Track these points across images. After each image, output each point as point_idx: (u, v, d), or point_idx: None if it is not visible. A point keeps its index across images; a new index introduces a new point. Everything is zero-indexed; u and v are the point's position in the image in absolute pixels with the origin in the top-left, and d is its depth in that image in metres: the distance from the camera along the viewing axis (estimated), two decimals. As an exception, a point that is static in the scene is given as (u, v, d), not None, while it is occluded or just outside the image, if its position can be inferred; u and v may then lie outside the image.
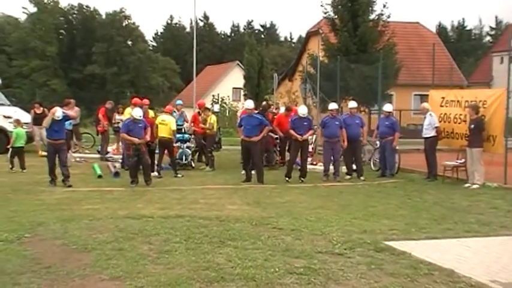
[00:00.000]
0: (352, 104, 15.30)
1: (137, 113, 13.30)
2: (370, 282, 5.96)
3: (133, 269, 6.27)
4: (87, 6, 70.17)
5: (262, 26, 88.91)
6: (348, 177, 14.49)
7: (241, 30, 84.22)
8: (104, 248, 7.12)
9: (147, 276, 6.00)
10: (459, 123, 14.13)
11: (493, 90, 14.69)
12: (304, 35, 45.40)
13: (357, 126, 14.66)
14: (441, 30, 73.61)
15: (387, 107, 15.32)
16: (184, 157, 15.96)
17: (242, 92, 35.05)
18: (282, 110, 17.56)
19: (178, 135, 15.70)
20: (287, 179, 13.81)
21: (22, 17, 67.47)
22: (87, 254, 6.92)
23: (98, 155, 18.39)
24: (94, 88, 62.38)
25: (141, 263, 6.49)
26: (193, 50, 29.75)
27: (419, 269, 6.39)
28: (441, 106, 14.84)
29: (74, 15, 70.77)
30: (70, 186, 12.46)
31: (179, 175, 14.54)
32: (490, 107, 13.24)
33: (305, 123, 14.06)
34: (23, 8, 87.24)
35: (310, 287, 5.78)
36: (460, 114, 14.11)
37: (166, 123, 14.75)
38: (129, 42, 68.45)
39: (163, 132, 14.72)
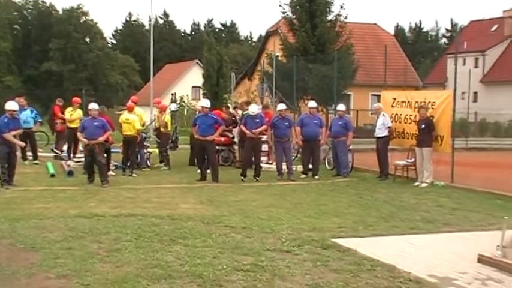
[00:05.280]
0: (312, 104, 15.51)
1: (91, 106, 13.24)
2: (314, 278, 6.11)
3: (81, 267, 6.29)
4: (43, 2, 68.88)
5: (222, 25, 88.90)
6: (303, 176, 14.69)
7: (202, 28, 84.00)
8: (52, 247, 7.10)
9: (94, 275, 6.03)
10: (409, 123, 14.47)
11: (441, 92, 15.14)
12: (264, 34, 45.58)
13: (316, 126, 14.83)
14: (399, 31, 74.98)
15: (340, 107, 15.59)
16: (139, 156, 15.90)
17: (201, 91, 34.96)
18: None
19: None
20: (242, 178, 13.94)
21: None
22: (35, 253, 6.89)
23: (51, 154, 18.15)
24: (51, 85, 61.27)
25: (90, 262, 6.51)
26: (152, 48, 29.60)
27: (363, 265, 6.60)
28: (392, 106, 15.16)
29: (29, 11, 69.35)
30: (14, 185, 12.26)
31: (134, 174, 14.53)
32: (438, 107, 13.63)
33: (257, 121, 14.25)
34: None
35: (256, 283, 5.89)
36: (411, 115, 14.45)
37: (130, 122, 14.86)
38: (87, 39, 67.48)
39: (127, 131, 14.80)
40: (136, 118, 15.08)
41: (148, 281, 5.86)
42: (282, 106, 15.02)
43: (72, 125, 16.96)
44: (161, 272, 6.13)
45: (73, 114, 17.25)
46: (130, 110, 15.39)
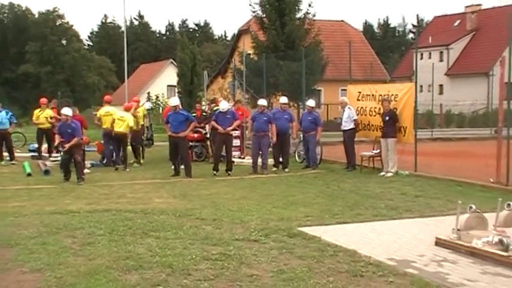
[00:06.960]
0: (283, 99, 15.90)
1: (64, 111, 13.48)
2: (279, 264, 6.39)
3: (54, 261, 6.50)
4: (18, 5, 68.83)
5: (196, 25, 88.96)
6: (274, 169, 15.04)
7: (176, 29, 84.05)
8: (27, 243, 7.29)
9: (67, 268, 6.24)
10: (374, 115, 14.87)
11: (403, 85, 15.58)
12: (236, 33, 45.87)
13: (286, 121, 15.18)
14: (368, 27, 75.92)
15: (310, 102, 15.95)
16: (114, 154, 16.12)
17: (176, 90, 35.16)
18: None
19: None
20: (214, 172, 14.22)
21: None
22: (10, 249, 7.07)
23: (28, 154, 18.26)
24: (28, 87, 61.12)
25: (63, 256, 6.73)
26: (128, 48, 29.76)
27: (326, 251, 6.90)
28: (358, 100, 15.55)
29: (5, 14, 68.95)
30: None
31: (127, 169, 15.26)
32: (400, 100, 14.07)
33: (228, 117, 14.55)
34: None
35: (223, 271, 6.15)
36: (375, 108, 14.85)
37: (124, 120, 15.53)
38: (64, 42, 67.29)
39: (120, 127, 15.36)
40: (130, 117, 15.71)
41: (120, 272, 6.09)
42: (262, 102, 15.30)
43: (41, 126, 17.18)
44: (132, 264, 6.37)
45: (40, 115, 17.39)
46: (127, 109, 16.14)
